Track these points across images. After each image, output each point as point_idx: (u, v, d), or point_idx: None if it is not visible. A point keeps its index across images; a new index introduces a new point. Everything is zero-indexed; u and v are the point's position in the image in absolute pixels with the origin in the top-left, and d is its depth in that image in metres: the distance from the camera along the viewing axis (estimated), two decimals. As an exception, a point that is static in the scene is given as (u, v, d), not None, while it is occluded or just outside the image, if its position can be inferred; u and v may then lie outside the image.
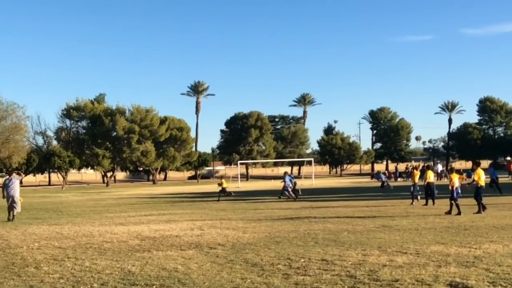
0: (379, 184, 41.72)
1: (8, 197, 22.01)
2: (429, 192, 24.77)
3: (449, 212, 19.88)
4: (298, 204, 27.78)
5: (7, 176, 23.44)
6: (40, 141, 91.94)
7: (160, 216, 22.75)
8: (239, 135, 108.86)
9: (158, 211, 26.03)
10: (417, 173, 27.29)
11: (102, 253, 12.24)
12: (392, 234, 14.49)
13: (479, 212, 19.84)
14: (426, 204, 24.39)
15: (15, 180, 22.53)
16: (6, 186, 22.29)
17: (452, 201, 19.96)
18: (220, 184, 35.51)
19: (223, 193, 34.75)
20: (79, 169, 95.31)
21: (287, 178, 33.09)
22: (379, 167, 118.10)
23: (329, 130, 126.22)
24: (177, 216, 22.20)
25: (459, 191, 20.40)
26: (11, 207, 21.98)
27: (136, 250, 12.48)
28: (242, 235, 14.97)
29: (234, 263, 10.54)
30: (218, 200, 32.81)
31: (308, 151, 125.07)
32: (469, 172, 34.77)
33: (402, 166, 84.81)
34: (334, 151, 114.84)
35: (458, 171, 23.46)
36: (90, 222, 20.46)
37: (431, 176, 25.18)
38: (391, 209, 23.33)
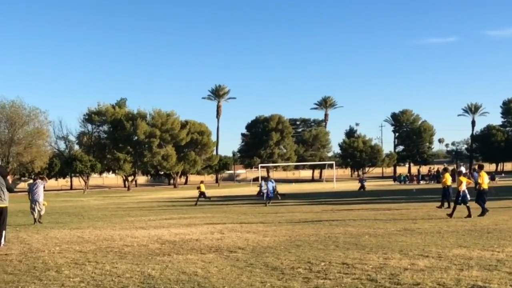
0: (401, 187, 41.46)
1: (33, 202, 22.45)
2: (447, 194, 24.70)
3: (469, 216, 19.68)
4: (319, 208, 27.67)
5: (32, 181, 23.79)
6: (62, 145, 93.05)
7: (180, 219, 22.77)
8: (260, 139, 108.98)
9: (178, 214, 26.06)
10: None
11: (123, 257, 12.25)
12: (414, 237, 14.34)
13: (482, 214, 19.82)
14: (449, 206, 24.15)
15: (40, 185, 23.00)
16: (31, 190, 22.80)
17: (457, 204, 20.04)
18: (198, 188, 36.69)
19: (203, 197, 35.70)
20: (100, 173, 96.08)
21: (263, 183, 34.17)
22: (402, 170, 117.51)
23: (350, 133, 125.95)
24: (198, 220, 22.20)
25: (467, 195, 20.31)
26: (34, 211, 22.40)
27: (156, 254, 12.48)
28: (262, 238, 14.92)
29: (254, 266, 10.48)
30: (196, 205, 33.77)
31: (330, 154, 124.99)
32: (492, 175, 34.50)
33: (424, 169, 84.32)
34: (356, 154, 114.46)
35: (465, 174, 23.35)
36: (111, 226, 20.54)
37: (449, 179, 24.99)
38: (414, 212, 23.13)
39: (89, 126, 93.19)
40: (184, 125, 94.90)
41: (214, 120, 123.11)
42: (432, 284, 8.48)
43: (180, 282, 9.21)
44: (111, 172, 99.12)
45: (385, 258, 11.02)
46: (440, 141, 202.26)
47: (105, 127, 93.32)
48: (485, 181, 20.55)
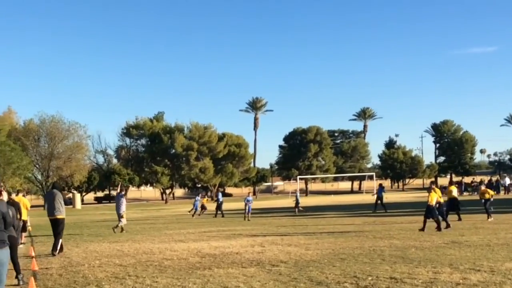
0: (443, 198, 40.32)
1: (117, 211, 24.54)
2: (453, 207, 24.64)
3: (422, 229, 19.38)
4: (361, 220, 27.16)
5: (117, 192, 25.94)
6: (100, 159, 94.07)
7: (219, 232, 22.50)
8: (298, 150, 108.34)
9: (217, 227, 25.81)
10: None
11: (163, 270, 12.00)
12: (462, 250, 13.80)
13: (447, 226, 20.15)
14: (460, 219, 24.10)
15: (119, 198, 24.92)
16: (116, 200, 24.96)
17: (427, 218, 19.71)
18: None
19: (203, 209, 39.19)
20: (138, 186, 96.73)
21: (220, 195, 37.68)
22: (443, 181, 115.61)
23: (390, 144, 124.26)
24: (237, 232, 21.91)
25: (435, 210, 20.13)
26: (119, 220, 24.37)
27: (196, 268, 12.20)
28: (305, 251, 14.52)
29: (298, 281, 10.10)
30: (190, 214, 38.24)
31: (369, 165, 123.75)
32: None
33: (467, 180, 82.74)
34: (396, 165, 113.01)
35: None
36: (150, 239, 20.37)
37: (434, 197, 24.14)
38: (459, 224, 22.48)
39: (127, 140, 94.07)
40: (221, 137, 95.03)
41: (251, 132, 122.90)
42: (489, 300, 8.02)
43: (222, 298, 8.91)
44: (149, 185, 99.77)
45: (435, 272, 10.56)
46: (482, 151, 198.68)
47: (143, 141, 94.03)
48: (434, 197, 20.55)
